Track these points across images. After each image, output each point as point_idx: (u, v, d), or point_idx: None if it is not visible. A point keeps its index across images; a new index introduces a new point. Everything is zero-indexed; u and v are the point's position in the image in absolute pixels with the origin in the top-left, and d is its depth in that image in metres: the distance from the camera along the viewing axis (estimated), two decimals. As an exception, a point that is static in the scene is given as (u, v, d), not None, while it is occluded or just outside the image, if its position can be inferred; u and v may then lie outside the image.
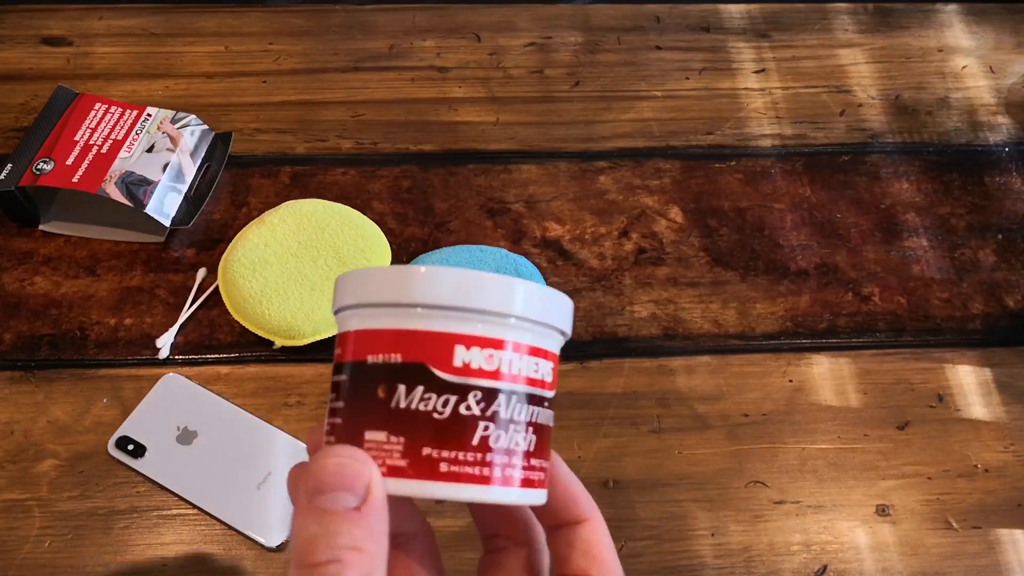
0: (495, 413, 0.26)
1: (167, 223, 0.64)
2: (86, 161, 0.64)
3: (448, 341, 0.26)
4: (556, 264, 0.66)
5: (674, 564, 0.54)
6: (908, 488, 0.57)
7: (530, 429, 0.27)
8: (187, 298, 0.63)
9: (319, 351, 0.60)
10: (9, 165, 0.64)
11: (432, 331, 0.26)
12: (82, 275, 0.64)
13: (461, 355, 0.26)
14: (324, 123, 0.73)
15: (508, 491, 0.26)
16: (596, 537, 0.30)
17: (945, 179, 0.73)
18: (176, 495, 0.54)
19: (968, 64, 0.81)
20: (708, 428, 0.59)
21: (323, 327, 0.60)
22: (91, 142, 0.66)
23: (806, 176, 0.72)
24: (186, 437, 0.56)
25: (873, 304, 0.65)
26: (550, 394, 0.28)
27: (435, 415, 0.26)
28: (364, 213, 0.66)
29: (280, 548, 0.53)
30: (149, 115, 0.68)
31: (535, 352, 0.27)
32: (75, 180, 0.63)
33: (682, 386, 0.61)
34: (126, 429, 0.56)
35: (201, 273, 0.64)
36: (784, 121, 0.76)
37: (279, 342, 0.60)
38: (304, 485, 0.24)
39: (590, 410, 0.59)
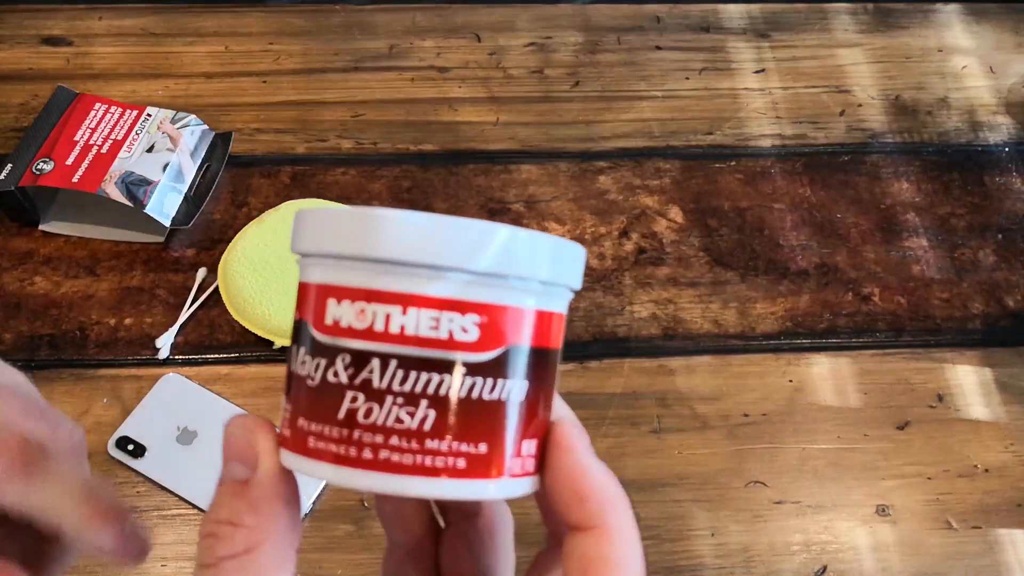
0: (366, 381, 0.21)
1: (167, 223, 0.64)
2: (86, 161, 0.64)
3: (323, 294, 0.22)
4: (556, 264, 0.66)
5: (674, 564, 0.54)
6: (908, 488, 0.57)
7: (424, 402, 0.21)
8: (187, 298, 0.63)
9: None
10: (9, 165, 0.64)
11: (311, 282, 0.23)
12: (82, 275, 0.64)
13: (332, 311, 0.22)
14: (324, 123, 0.73)
15: (386, 478, 0.21)
16: (598, 552, 0.22)
17: (945, 179, 0.73)
18: (176, 495, 0.54)
19: (968, 64, 0.81)
20: (708, 428, 0.59)
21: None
22: (91, 142, 0.66)
23: (806, 176, 0.72)
24: (186, 437, 0.56)
25: (873, 304, 0.65)
26: (475, 357, 0.22)
27: (309, 381, 0.22)
28: (364, 213, 0.66)
29: (280, 548, 0.53)
30: (149, 115, 0.68)
31: (443, 305, 0.21)
32: (75, 180, 0.63)
33: (682, 386, 0.61)
34: (126, 429, 0.56)
35: (201, 273, 0.64)
36: (784, 121, 0.76)
37: (279, 342, 0.60)
38: None
39: (590, 410, 0.59)
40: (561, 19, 0.82)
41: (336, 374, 0.22)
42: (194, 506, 0.54)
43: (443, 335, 0.21)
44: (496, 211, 0.68)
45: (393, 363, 0.21)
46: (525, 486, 0.23)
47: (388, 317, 0.21)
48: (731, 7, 0.84)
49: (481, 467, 0.22)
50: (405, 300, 0.21)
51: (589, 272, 0.66)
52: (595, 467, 0.23)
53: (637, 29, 0.82)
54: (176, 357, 0.60)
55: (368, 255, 0.21)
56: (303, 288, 0.23)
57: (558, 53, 0.79)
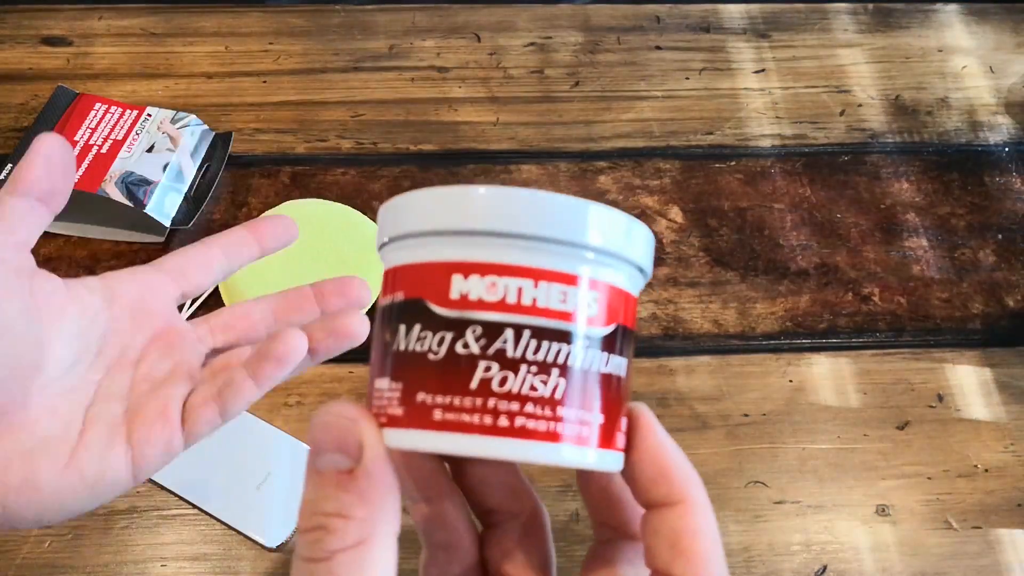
0: (500, 351, 0.22)
1: (167, 223, 0.64)
2: (86, 161, 0.64)
3: (445, 271, 0.23)
4: (556, 264, 0.66)
5: (674, 564, 0.54)
6: (908, 488, 0.57)
7: (556, 371, 0.22)
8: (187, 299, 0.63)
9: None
10: (9, 165, 0.64)
11: (428, 261, 0.23)
12: (82, 275, 0.64)
13: (459, 285, 0.22)
14: (324, 123, 0.73)
15: (520, 444, 0.22)
16: (687, 524, 0.23)
17: (945, 179, 0.73)
18: (176, 495, 0.54)
19: (968, 64, 0.81)
20: (708, 428, 0.59)
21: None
22: (91, 142, 0.66)
23: (806, 176, 0.72)
24: (186, 437, 0.56)
25: (873, 304, 0.65)
26: (596, 331, 0.23)
27: (431, 356, 0.22)
28: (364, 213, 0.66)
29: (280, 548, 0.53)
30: (149, 115, 0.68)
31: (561, 278, 0.22)
32: (75, 180, 0.63)
33: (682, 386, 0.61)
34: (126, 429, 0.56)
35: (201, 273, 0.63)
36: (784, 121, 0.76)
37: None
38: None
39: (590, 410, 0.59)
40: (561, 19, 0.82)
41: (467, 345, 0.22)
42: (194, 506, 0.54)
43: (570, 308, 0.22)
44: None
45: (527, 333, 0.22)
46: (622, 460, 0.24)
47: (520, 290, 0.22)
48: (731, 7, 0.84)
49: (600, 436, 0.23)
50: (537, 274, 0.22)
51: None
52: (675, 446, 0.25)
53: (637, 29, 0.82)
54: (176, 357, 0.60)
55: (499, 230, 0.22)
56: (409, 269, 0.23)
57: (558, 53, 0.79)
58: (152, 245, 0.65)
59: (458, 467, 0.27)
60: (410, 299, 0.23)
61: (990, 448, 0.59)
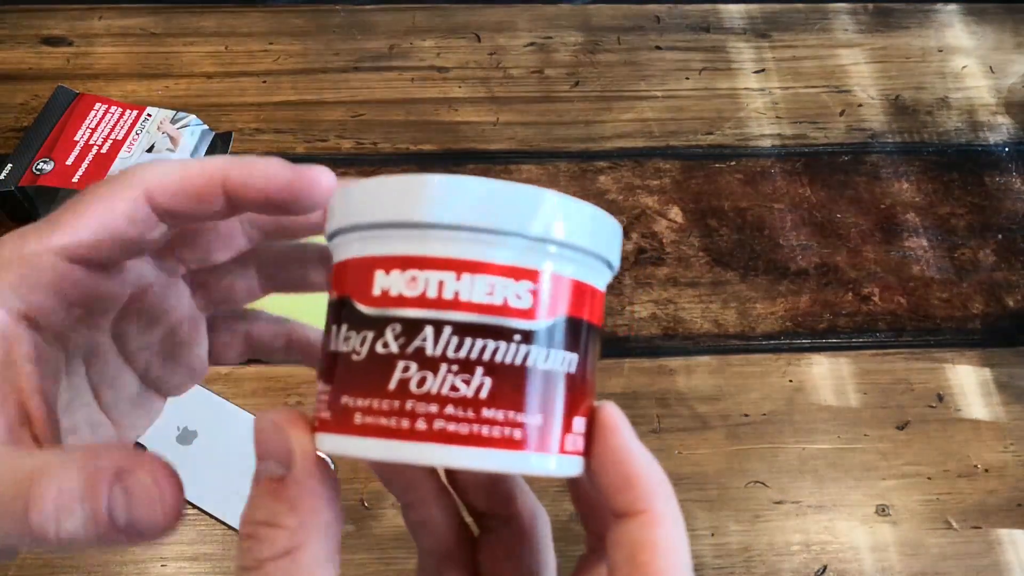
0: (419, 349, 0.20)
1: (167, 223, 0.64)
2: (86, 161, 0.64)
3: (368, 267, 0.21)
4: (556, 264, 0.66)
5: (674, 564, 0.54)
6: (908, 488, 0.57)
7: (480, 370, 0.20)
8: (187, 298, 0.63)
9: (319, 351, 0.60)
10: (9, 165, 0.64)
11: (353, 258, 0.22)
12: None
13: (380, 281, 0.21)
14: (324, 123, 0.73)
15: (440, 449, 0.20)
16: (647, 537, 0.22)
17: (945, 179, 0.73)
18: (176, 495, 0.54)
19: (968, 64, 0.81)
20: (708, 428, 0.59)
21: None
22: (91, 142, 0.66)
23: (806, 176, 0.72)
24: (186, 437, 0.56)
25: (873, 304, 0.65)
26: (530, 325, 0.21)
27: (354, 356, 0.21)
28: (364, 213, 0.66)
29: (280, 548, 0.53)
30: (149, 115, 0.68)
31: (495, 270, 0.21)
32: (75, 180, 0.63)
33: (682, 386, 0.61)
34: (126, 429, 0.56)
35: (201, 273, 0.63)
36: (784, 121, 0.76)
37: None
38: None
39: (590, 410, 0.59)
40: (561, 19, 0.82)
41: (386, 344, 0.21)
42: (194, 506, 0.54)
43: (498, 301, 0.21)
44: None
45: (447, 330, 0.20)
46: (577, 465, 0.22)
47: (441, 284, 0.21)
48: (731, 7, 0.84)
49: (537, 439, 0.21)
50: (459, 266, 0.21)
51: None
52: (641, 451, 0.23)
53: (637, 29, 0.82)
54: (176, 357, 0.60)
55: (418, 221, 0.21)
56: (341, 268, 0.22)
57: (558, 53, 0.79)
58: (152, 245, 0.65)
59: (450, 471, 0.27)
60: (340, 297, 0.22)
61: (990, 448, 0.59)
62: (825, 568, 0.54)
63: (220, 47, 0.78)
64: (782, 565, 0.54)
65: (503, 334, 0.21)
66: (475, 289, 0.21)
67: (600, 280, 0.23)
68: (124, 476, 0.21)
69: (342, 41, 0.79)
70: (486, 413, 0.21)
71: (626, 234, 0.68)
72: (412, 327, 0.21)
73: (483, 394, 0.21)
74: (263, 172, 0.25)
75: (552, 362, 0.21)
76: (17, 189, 0.63)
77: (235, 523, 0.53)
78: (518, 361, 0.21)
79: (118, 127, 0.67)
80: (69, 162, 0.64)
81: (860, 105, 0.77)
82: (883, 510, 0.57)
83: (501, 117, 0.75)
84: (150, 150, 0.66)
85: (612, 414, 0.23)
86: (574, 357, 0.22)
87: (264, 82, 0.76)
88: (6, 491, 0.21)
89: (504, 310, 0.21)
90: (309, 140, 0.72)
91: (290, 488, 0.21)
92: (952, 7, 0.85)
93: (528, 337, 0.21)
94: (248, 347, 0.32)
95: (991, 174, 0.73)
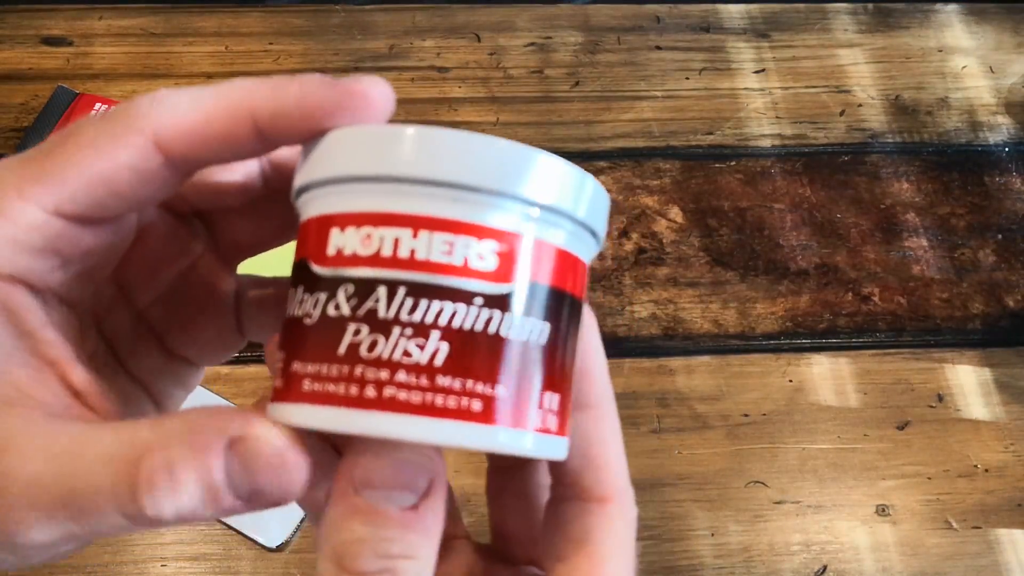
0: (371, 311, 0.19)
1: (167, 223, 0.64)
2: (86, 161, 0.64)
3: (324, 225, 0.20)
4: (556, 264, 0.66)
5: (674, 564, 0.54)
6: (908, 488, 0.57)
7: (435, 334, 0.19)
8: (187, 298, 0.63)
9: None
10: (9, 165, 0.64)
11: (311, 217, 0.21)
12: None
13: (335, 240, 0.20)
14: (324, 123, 0.73)
15: (389, 419, 0.19)
16: (604, 524, 0.22)
17: (945, 179, 0.73)
18: (176, 495, 0.54)
19: (968, 64, 0.81)
20: (708, 428, 0.59)
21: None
22: (91, 142, 0.66)
23: (806, 176, 0.72)
24: (186, 437, 0.56)
25: (873, 304, 0.65)
26: (495, 288, 0.19)
27: (306, 320, 0.20)
28: (364, 213, 0.66)
29: (280, 548, 0.53)
30: (149, 115, 0.68)
31: (458, 228, 0.19)
32: None
33: (682, 386, 0.61)
34: (126, 429, 0.56)
35: (201, 273, 0.63)
36: (784, 121, 0.76)
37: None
38: (347, 471, 0.20)
39: (590, 410, 0.59)
40: (561, 19, 0.82)
41: (337, 307, 0.19)
42: (194, 506, 0.54)
43: (457, 261, 0.19)
44: (496, 211, 0.68)
45: (401, 290, 0.19)
46: (562, 448, 0.21)
47: (397, 241, 0.19)
48: (731, 7, 0.84)
49: (502, 412, 0.19)
50: (415, 222, 0.19)
51: (589, 272, 0.66)
52: (612, 435, 0.23)
53: (637, 29, 0.82)
54: (176, 357, 0.60)
55: (373, 174, 0.19)
56: (303, 228, 0.21)
57: (558, 53, 0.80)
58: (152, 245, 0.65)
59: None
60: (298, 260, 0.21)
61: (990, 448, 0.59)
62: (825, 568, 0.54)
63: (220, 47, 0.78)
64: (782, 565, 0.54)
65: (462, 296, 0.19)
66: (432, 247, 0.19)
67: (585, 251, 0.22)
68: (238, 444, 0.19)
69: (342, 41, 0.79)
70: (441, 381, 0.19)
71: (626, 234, 0.68)
72: (365, 287, 0.19)
73: (438, 360, 0.19)
74: (300, 97, 0.21)
75: (521, 331, 0.20)
76: (17, 189, 0.63)
77: (235, 523, 0.53)
78: (479, 327, 0.19)
79: (118, 127, 0.67)
80: (69, 162, 0.64)
81: (860, 105, 0.77)
82: (883, 510, 0.57)
83: (501, 117, 0.75)
84: (150, 150, 0.66)
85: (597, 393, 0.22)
86: (544, 326, 0.20)
87: (264, 82, 0.76)
88: (100, 475, 0.19)
89: (464, 271, 0.19)
90: (309, 140, 0.72)
91: (426, 518, 0.20)
92: (952, 7, 0.85)
93: (491, 301, 0.19)
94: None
95: (991, 174, 0.73)
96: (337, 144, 0.20)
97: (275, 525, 0.53)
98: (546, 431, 0.20)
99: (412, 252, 0.19)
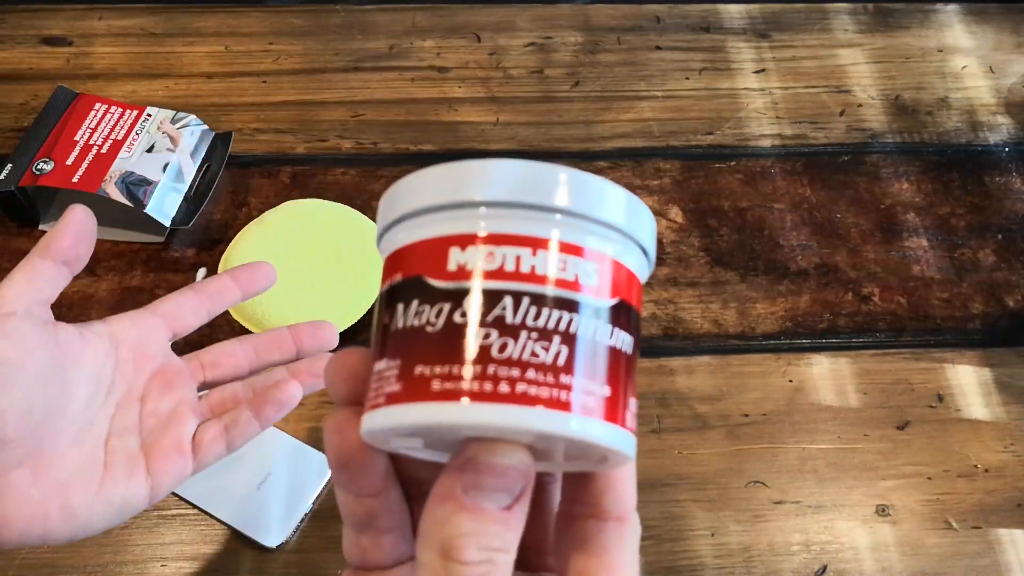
0: (499, 318, 0.21)
1: (167, 223, 0.64)
2: (86, 161, 0.64)
3: (443, 244, 0.22)
4: (556, 264, 0.66)
5: (674, 564, 0.54)
6: (908, 488, 0.57)
7: (557, 338, 0.21)
8: (187, 298, 0.63)
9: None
10: (9, 165, 0.64)
11: (424, 239, 0.23)
12: (82, 275, 0.64)
13: (456, 257, 0.22)
14: (324, 123, 0.73)
15: (523, 411, 0.21)
16: (621, 543, 0.25)
17: (945, 179, 0.73)
18: (176, 495, 0.54)
19: (968, 64, 0.81)
20: (708, 428, 0.59)
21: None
22: (91, 142, 0.66)
23: (806, 176, 0.72)
24: (186, 437, 0.56)
25: (873, 304, 0.65)
26: (602, 302, 0.22)
27: (428, 328, 0.22)
28: (364, 213, 0.66)
29: (280, 548, 0.53)
30: (149, 115, 0.68)
31: (568, 249, 0.22)
32: (75, 180, 0.63)
33: (682, 386, 0.61)
34: (126, 429, 0.56)
35: (201, 273, 0.64)
36: (784, 121, 0.76)
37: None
38: (454, 474, 0.23)
39: (590, 410, 0.59)
40: (561, 19, 0.82)
41: (464, 314, 0.21)
42: (194, 506, 0.54)
43: (570, 277, 0.22)
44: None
45: (526, 300, 0.21)
46: (633, 445, 0.23)
47: (518, 258, 0.22)
48: (731, 7, 0.84)
49: (608, 409, 0.22)
50: (534, 243, 0.22)
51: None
52: (633, 466, 0.25)
53: (637, 29, 0.82)
54: (176, 357, 0.60)
55: (497, 200, 0.22)
56: (406, 251, 0.23)
57: (558, 53, 0.80)
58: (152, 245, 0.65)
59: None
60: (408, 278, 0.23)
61: (990, 448, 0.59)
62: (825, 568, 0.54)
63: (220, 47, 0.78)
64: (782, 565, 0.54)
65: (575, 307, 0.22)
66: (549, 264, 0.22)
67: (642, 272, 0.25)
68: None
69: (342, 41, 0.79)
70: (564, 379, 0.21)
71: (626, 234, 0.68)
72: (492, 297, 0.21)
73: (560, 360, 0.21)
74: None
75: (616, 339, 0.23)
76: (17, 189, 0.63)
77: (235, 524, 0.53)
78: (588, 334, 0.22)
79: (118, 127, 0.67)
80: (69, 162, 0.64)
81: (860, 105, 0.77)
82: (883, 510, 0.57)
83: (501, 117, 0.75)
84: (150, 150, 0.66)
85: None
86: (630, 339, 0.23)
87: (264, 82, 0.76)
88: None
89: (575, 285, 0.22)
90: (309, 140, 0.72)
91: (519, 516, 0.23)
92: (952, 7, 0.85)
93: (596, 312, 0.22)
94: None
95: (991, 174, 0.73)
96: (446, 176, 0.23)
97: (275, 525, 0.53)
98: (632, 431, 0.23)
99: (532, 268, 0.22)
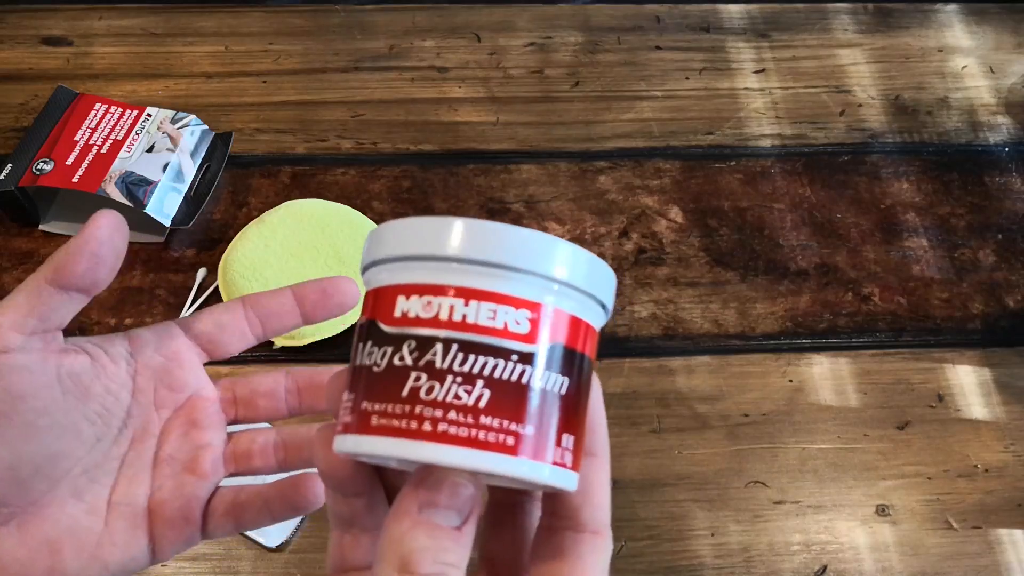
0: (429, 363, 0.24)
1: (167, 223, 0.64)
2: (86, 161, 0.64)
3: (393, 293, 0.25)
4: (556, 264, 0.66)
5: (674, 564, 0.54)
6: (908, 488, 0.57)
7: (480, 382, 0.24)
8: (187, 298, 0.63)
9: (319, 351, 0.60)
10: (9, 165, 0.64)
11: (382, 286, 0.26)
12: (82, 275, 0.64)
13: (401, 306, 0.25)
14: (324, 123, 0.73)
15: (441, 448, 0.23)
16: (595, 557, 0.26)
17: (945, 179, 0.73)
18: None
19: (968, 64, 0.81)
20: (708, 428, 0.59)
21: (323, 327, 0.60)
22: (91, 142, 0.66)
23: (806, 176, 0.72)
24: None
25: (873, 304, 0.65)
26: (527, 348, 0.25)
27: (375, 368, 0.25)
28: (364, 213, 0.66)
29: (280, 548, 0.53)
30: (149, 115, 0.68)
31: (500, 299, 0.24)
32: (75, 180, 0.63)
33: (682, 386, 0.61)
34: (126, 429, 0.56)
35: (201, 273, 0.64)
36: (784, 121, 0.76)
37: (279, 342, 0.60)
38: (412, 495, 0.24)
39: (590, 410, 0.59)
40: (561, 19, 0.82)
41: (402, 358, 0.24)
42: (194, 506, 0.54)
43: (499, 325, 0.24)
44: (496, 211, 0.68)
45: (454, 347, 0.24)
46: (572, 480, 0.26)
47: (452, 308, 0.24)
48: (731, 7, 0.84)
49: (528, 447, 0.24)
50: (467, 294, 0.24)
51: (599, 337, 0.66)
52: (605, 477, 0.27)
53: (637, 29, 0.82)
54: (176, 357, 0.60)
55: (433, 255, 0.25)
56: (372, 295, 0.26)
57: (558, 53, 0.79)
58: (152, 245, 0.65)
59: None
60: (367, 320, 0.26)
61: (990, 448, 0.59)
62: (825, 568, 0.54)
63: (220, 47, 0.78)
64: (782, 565, 0.54)
65: (502, 353, 0.24)
66: (480, 314, 0.24)
67: (595, 319, 0.27)
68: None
69: (342, 41, 0.79)
70: (483, 420, 0.24)
71: (626, 234, 0.68)
72: (425, 343, 0.24)
73: (482, 403, 0.24)
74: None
75: (546, 382, 0.25)
76: (17, 189, 0.63)
77: (235, 523, 0.53)
78: (514, 378, 0.24)
79: (118, 127, 0.67)
80: (69, 162, 0.64)
81: (860, 105, 0.77)
82: (883, 510, 0.57)
83: (501, 117, 0.75)
84: (150, 150, 0.66)
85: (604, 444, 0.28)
86: (566, 380, 0.25)
87: (264, 82, 0.76)
88: None
89: (504, 333, 0.24)
90: (309, 140, 0.72)
91: (469, 536, 0.25)
92: (952, 7, 0.85)
93: (523, 358, 0.25)
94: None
95: (991, 174, 0.73)
96: (404, 231, 0.26)
97: (275, 525, 0.53)
98: (562, 465, 0.25)
99: (464, 317, 0.24)
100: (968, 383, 0.62)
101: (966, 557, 0.55)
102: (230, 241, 0.64)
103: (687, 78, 0.78)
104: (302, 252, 0.62)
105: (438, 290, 0.25)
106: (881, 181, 0.72)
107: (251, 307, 0.36)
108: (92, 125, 0.67)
